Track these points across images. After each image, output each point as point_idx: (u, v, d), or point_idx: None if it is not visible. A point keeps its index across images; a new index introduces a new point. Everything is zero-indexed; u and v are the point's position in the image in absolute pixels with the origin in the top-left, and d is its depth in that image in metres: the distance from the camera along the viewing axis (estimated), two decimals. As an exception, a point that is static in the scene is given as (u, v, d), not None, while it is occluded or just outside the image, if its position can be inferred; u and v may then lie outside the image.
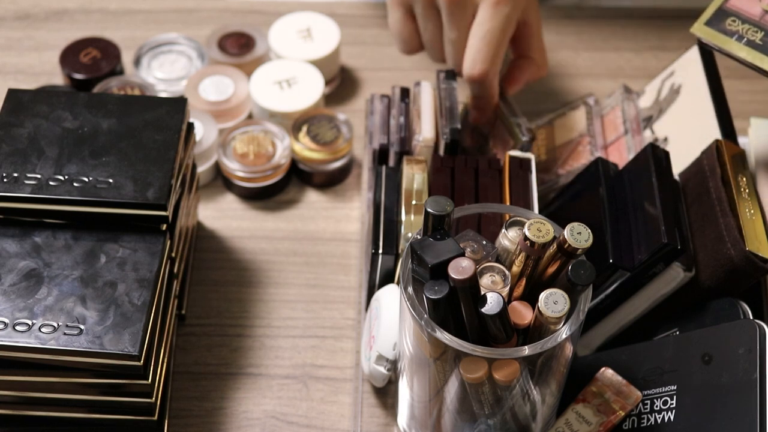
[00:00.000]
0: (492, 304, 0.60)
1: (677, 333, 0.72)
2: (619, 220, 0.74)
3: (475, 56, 0.82)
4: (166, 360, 0.75)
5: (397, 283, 0.77)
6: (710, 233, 0.71)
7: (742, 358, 0.64)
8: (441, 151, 0.81)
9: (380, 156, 0.84)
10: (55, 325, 0.67)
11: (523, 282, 0.64)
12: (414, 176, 0.78)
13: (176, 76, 0.97)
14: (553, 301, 0.60)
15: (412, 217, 0.76)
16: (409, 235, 0.75)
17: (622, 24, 1.07)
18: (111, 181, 0.73)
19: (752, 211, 0.71)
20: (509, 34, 0.83)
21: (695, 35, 0.73)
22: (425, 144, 0.80)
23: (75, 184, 0.72)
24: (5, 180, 0.72)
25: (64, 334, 0.67)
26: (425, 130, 0.81)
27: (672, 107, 0.85)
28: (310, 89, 0.94)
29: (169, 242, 0.74)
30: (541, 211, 0.81)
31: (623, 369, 0.71)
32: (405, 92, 0.86)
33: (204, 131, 0.91)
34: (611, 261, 0.72)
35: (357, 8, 1.08)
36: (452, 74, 0.85)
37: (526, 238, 0.62)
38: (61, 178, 0.73)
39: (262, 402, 0.79)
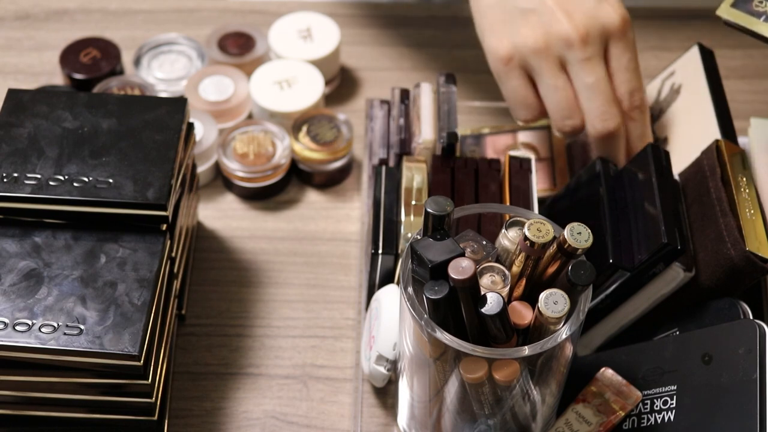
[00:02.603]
0: (492, 304, 0.60)
1: (677, 333, 0.72)
2: (619, 220, 0.74)
3: (628, 87, 0.79)
4: (166, 360, 0.75)
5: (397, 283, 0.77)
6: (710, 233, 0.71)
7: (742, 358, 0.64)
8: (438, 152, 0.81)
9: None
10: (55, 325, 0.67)
11: (523, 282, 0.64)
12: (414, 176, 0.78)
13: (176, 76, 0.97)
14: (553, 301, 0.60)
15: (412, 217, 0.76)
16: (409, 235, 0.75)
17: (622, 24, 1.07)
18: (111, 181, 0.73)
19: (752, 211, 0.71)
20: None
21: (721, 17, 0.71)
22: (425, 145, 0.80)
23: (75, 184, 0.72)
24: (5, 180, 0.72)
25: (64, 334, 0.67)
26: (425, 131, 0.81)
27: (672, 107, 0.85)
28: (310, 89, 0.94)
29: (169, 242, 0.74)
30: (541, 211, 0.81)
31: (623, 369, 0.71)
32: (405, 94, 0.86)
33: (204, 131, 0.91)
34: (611, 261, 0.72)
35: (357, 8, 1.08)
36: (452, 78, 0.84)
37: (526, 238, 0.62)
38: (61, 178, 0.73)
39: (262, 402, 0.79)
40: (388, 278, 0.78)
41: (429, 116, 0.82)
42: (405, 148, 0.82)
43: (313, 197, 0.92)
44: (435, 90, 0.84)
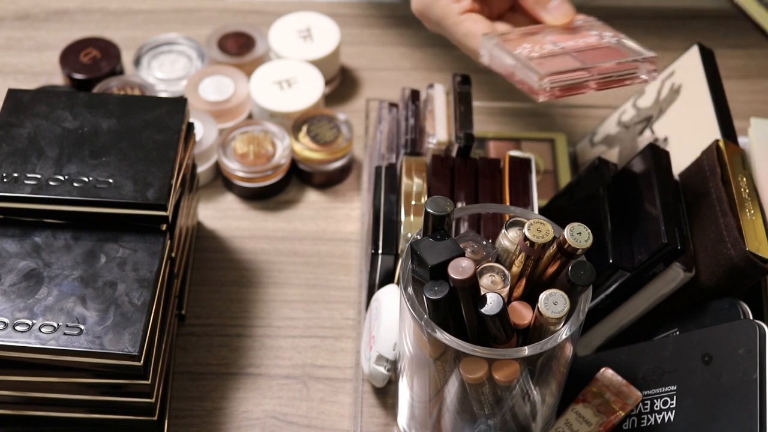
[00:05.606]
0: (492, 304, 0.60)
1: (677, 333, 0.72)
2: (619, 220, 0.74)
3: None
4: (166, 360, 0.75)
5: (397, 283, 0.77)
6: (710, 233, 0.71)
7: (742, 358, 0.64)
8: (453, 154, 0.80)
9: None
10: (55, 325, 0.67)
11: (523, 282, 0.64)
12: (413, 177, 0.78)
13: (176, 76, 0.97)
14: (553, 301, 0.60)
15: (412, 217, 0.76)
16: (409, 235, 0.75)
17: (622, 24, 1.07)
18: (111, 181, 0.73)
19: (752, 211, 0.71)
20: None
21: None
22: (439, 146, 0.80)
23: (75, 184, 0.72)
24: (5, 180, 0.72)
25: (64, 334, 0.67)
26: (439, 132, 0.80)
27: (672, 107, 0.85)
28: (310, 89, 0.94)
29: (169, 242, 0.74)
30: (541, 211, 0.81)
31: (623, 369, 0.71)
32: (415, 94, 0.85)
33: (204, 131, 0.91)
34: (611, 261, 0.72)
35: (357, 8, 1.08)
36: (468, 79, 0.84)
37: (525, 238, 0.62)
38: (61, 178, 0.73)
39: (262, 402, 0.79)
40: (388, 278, 0.78)
41: (443, 117, 0.82)
42: (415, 149, 0.82)
43: (313, 197, 0.92)
44: (447, 91, 0.84)
